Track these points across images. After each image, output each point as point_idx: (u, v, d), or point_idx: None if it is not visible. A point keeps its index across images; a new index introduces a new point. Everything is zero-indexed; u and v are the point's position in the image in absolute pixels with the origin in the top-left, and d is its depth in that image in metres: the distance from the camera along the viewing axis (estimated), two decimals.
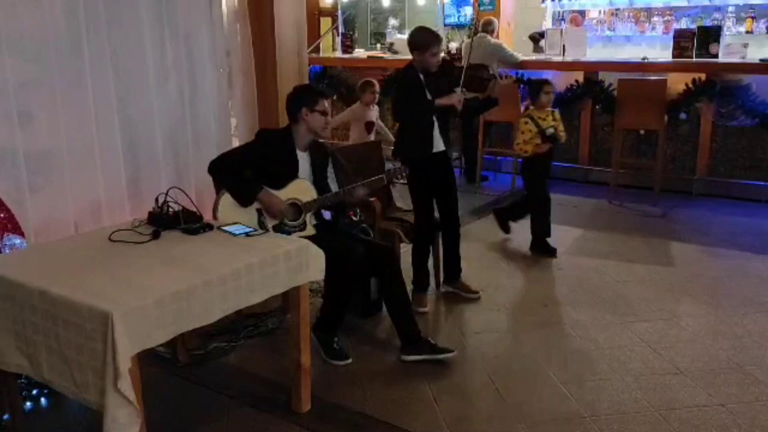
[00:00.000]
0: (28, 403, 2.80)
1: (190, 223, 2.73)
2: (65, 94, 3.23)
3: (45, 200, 3.18)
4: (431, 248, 3.99)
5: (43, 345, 2.19)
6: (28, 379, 2.61)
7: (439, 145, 3.71)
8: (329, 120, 3.27)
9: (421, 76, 3.63)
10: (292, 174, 3.21)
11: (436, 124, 3.68)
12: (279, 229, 3.13)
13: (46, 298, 2.15)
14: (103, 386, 2.01)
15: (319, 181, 3.32)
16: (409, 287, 3.79)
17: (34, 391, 2.82)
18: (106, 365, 1.99)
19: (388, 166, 3.45)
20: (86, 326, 2.04)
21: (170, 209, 2.77)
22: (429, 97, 3.63)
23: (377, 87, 5.79)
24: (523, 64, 6.71)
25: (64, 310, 2.10)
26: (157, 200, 2.79)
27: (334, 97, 8.25)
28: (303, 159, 3.28)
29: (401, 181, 3.41)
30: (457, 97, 3.62)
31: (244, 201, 3.10)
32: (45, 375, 2.22)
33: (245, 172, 3.13)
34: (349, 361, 3.22)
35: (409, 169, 3.47)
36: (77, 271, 2.32)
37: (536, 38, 7.72)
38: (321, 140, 3.37)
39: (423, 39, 3.61)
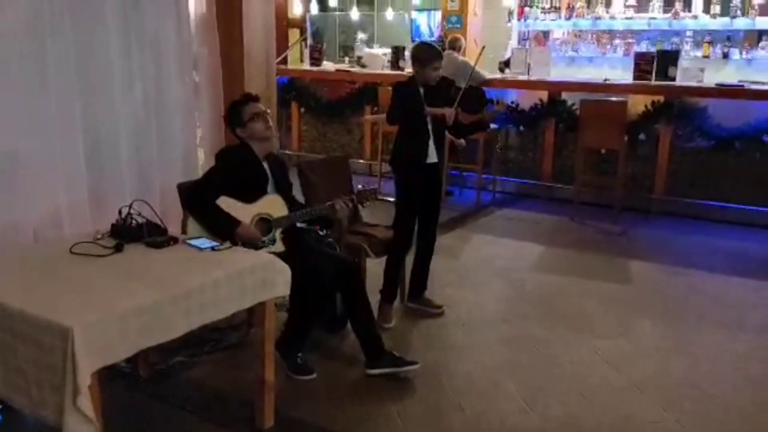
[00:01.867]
0: None
1: (154, 236, 2.69)
2: (26, 97, 3.16)
3: (3, 206, 3.11)
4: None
5: (0, 359, 2.14)
6: None
7: (432, 156, 3.76)
8: (268, 122, 3.21)
9: (421, 89, 3.71)
10: (262, 186, 3.20)
11: (431, 136, 3.74)
12: (248, 244, 3.09)
13: (3, 312, 2.10)
14: (61, 403, 1.98)
15: (282, 189, 3.30)
16: (377, 297, 3.80)
17: None
18: (65, 381, 1.96)
19: (358, 186, 3.46)
20: (45, 341, 2.00)
21: (134, 221, 2.73)
22: (426, 109, 3.69)
23: None
24: (490, 83, 6.81)
25: (23, 324, 2.06)
26: (120, 212, 2.75)
27: (302, 110, 8.26)
28: (266, 169, 3.27)
29: (368, 203, 3.41)
30: (448, 111, 3.66)
31: (222, 238, 2.95)
32: (1, 390, 2.16)
33: (219, 203, 3.05)
34: (314, 376, 3.21)
35: (396, 179, 3.49)
36: (36, 283, 2.28)
37: (502, 68, 7.86)
38: (280, 151, 3.36)
39: (424, 54, 3.70)
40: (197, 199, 3.11)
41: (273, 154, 3.34)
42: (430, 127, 3.73)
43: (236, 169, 3.17)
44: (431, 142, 3.75)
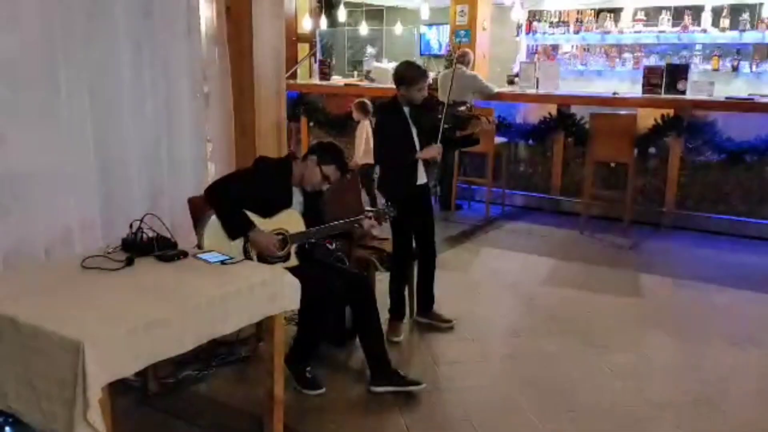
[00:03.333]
0: None
1: (164, 250, 2.70)
2: (39, 115, 3.19)
3: (15, 224, 3.13)
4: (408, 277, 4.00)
5: (11, 373, 2.14)
6: None
7: (422, 177, 3.77)
8: (323, 188, 3.25)
9: (406, 110, 3.69)
10: (284, 206, 3.20)
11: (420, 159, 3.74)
12: (263, 258, 3.10)
13: (15, 326, 2.11)
14: (72, 417, 1.97)
15: (312, 213, 3.28)
16: (386, 315, 3.80)
17: None
18: (75, 396, 1.95)
19: (378, 205, 3.45)
20: (56, 355, 2.00)
21: (144, 235, 2.75)
22: (413, 129, 3.69)
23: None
24: (499, 96, 6.83)
25: (34, 339, 2.06)
26: (131, 226, 2.76)
27: (311, 124, 8.29)
28: (296, 194, 3.26)
29: (385, 222, 3.41)
30: (436, 149, 3.68)
31: (232, 236, 3.03)
32: (11, 404, 2.17)
33: (240, 204, 3.08)
34: (322, 390, 3.20)
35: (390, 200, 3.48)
36: (48, 298, 2.28)
37: (512, 80, 7.89)
38: None
39: (410, 74, 3.66)
40: (222, 191, 3.11)
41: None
42: (418, 148, 3.71)
43: (265, 185, 3.17)
44: (420, 165, 3.74)
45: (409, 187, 3.74)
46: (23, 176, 3.17)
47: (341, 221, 3.25)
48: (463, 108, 3.93)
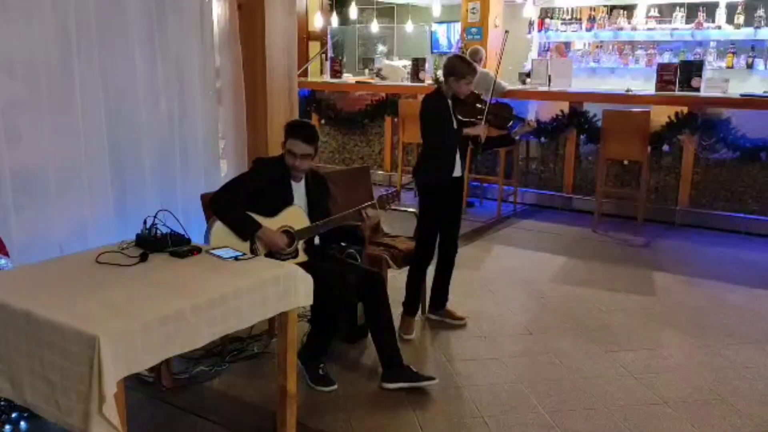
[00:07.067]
0: (7, 427, 2.75)
1: (178, 245, 2.71)
2: (54, 113, 3.22)
3: (30, 220, 3.16)
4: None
5: (27, 368, 2.16)
6: (8, 401, 2.56)
7: (458, 170, 3.80)
8: (297, 163, 3.15)
9: (449, 102, 3.72)
10: (287, 203, 3.20)
11: (457, 150, 3.77)
12: (271, 257, 3.10)
13: (31, 321, 2.12)
14: (87, 411, 1.98)
15: (316, 210, 3.28)
16: (398, 309, 3.79)
17: (14, 415, 2.76)
18: (91, 390, 1.96)
19: (379, 192, 3.44)
20: (72, 350, 2.01)
21: (158, 231, 2.76)
22: (454, 121, 3.71)
23: None
24: (510, 94, 6.80)
25: (50, 333, 2.07)
26: (145, 222, 2.78)
27: (322, 122, 8.31)
28: (299, 189, 3.25)
29: (392, 207, 3.40)
30: (482, 128, 3.75)
31: (243, 237, 3.07)
32: (27, 398, 2.18)
33: (244, 207, 3.10)
34: (335, 387, 3.20)
35: (419, 192, 3.48)
36: (63, 293, 2.30)
37: (524, 79, 7.86)
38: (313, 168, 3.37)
39: (461, 68, 3.69)
40: (224, 198, 3.14)
41: (314, 171, 3.35)
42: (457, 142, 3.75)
43: (263, 183, 3.18)
44: (457, 156, 3.78)
45: (447, 177, 3.75)
46: (38, 172, 3.20)
47: (345, 212, 3.24)
48: (505, 111, 3.95)
